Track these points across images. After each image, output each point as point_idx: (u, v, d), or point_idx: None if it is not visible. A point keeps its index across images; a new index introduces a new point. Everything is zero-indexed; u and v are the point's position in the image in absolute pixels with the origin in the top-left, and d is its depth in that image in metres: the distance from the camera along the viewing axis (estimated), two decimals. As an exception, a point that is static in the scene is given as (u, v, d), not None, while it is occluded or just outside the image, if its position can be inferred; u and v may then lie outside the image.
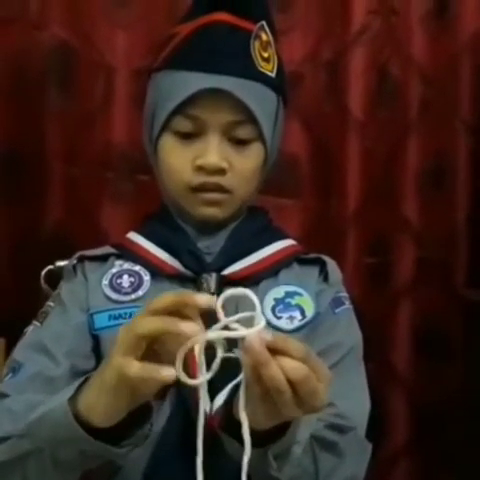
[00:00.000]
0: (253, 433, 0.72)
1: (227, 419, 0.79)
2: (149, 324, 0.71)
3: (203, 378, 0.72)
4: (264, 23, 1.04)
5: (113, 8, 1.64)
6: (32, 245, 1.61)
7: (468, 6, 1.73)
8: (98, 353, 1.00)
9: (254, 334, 0.69)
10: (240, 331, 0.70)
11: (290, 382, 0.68)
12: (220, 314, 0.71)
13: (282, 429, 0.77)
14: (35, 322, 1.05)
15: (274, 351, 0.68)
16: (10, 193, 1.63)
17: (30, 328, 1.04)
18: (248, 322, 0.71)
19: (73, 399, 0.77)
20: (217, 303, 0.72)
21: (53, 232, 1.63)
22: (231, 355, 0.72)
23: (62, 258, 1.24)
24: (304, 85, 1.67)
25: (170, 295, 0.72)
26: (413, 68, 1.73)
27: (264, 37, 1.03)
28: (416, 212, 1.74)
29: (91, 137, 1.64)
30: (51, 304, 1.06)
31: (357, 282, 1.69)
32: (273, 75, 1.03)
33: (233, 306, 0.99)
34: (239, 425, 0.73)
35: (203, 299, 0.71)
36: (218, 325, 0.71)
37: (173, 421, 0.95)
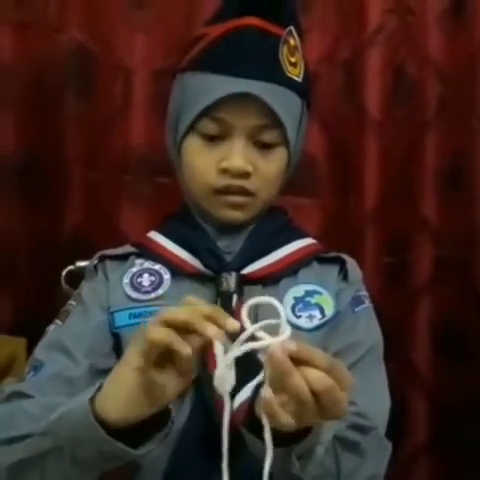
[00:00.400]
0: (276, 433, 0.72)
1: (250, 418, 0.80)
2: (179, 311, 0.73)
3: (229, 387, 0.73)
4: (292, 28, 1.04)
5: (131, 11, 1.65)
6: (52, 248, 1.63)
7: (485, 5, 1.72)
8: (118, 352, 1.01)
9: (278, 343, 0.69)
10: (265, 340, 0.70)
11: (313, 392, 0.69)
12: (246, 323, 0.72)
13: (306, 429, 0.77)
14: (57, 321, 1.06)
15: (298, 360, 0.69)
16: (30, 197, 1.65)
17: (52, 327, 1.05)
18: (271, 328, 0.72)
19: (93, 399, 0.78)
20: (242, 311, 0.73)
21: (73, 235, 1.64)
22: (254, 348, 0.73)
23: (81, 260, 1.25)
24: (321, 85, 1.67)
25: (208, 307, 0.74)
26: (430, 67, 1.72)
27: (292, 42, 1.03)
28: (434, 211, 1.73)
29: (110, 140, 1.65)
30: (73, 303, 1.07)
31: (375, 281, 1.68)
32: (300, 80, 1.04)
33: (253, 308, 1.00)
34: (261, 424, 0.73)
35: (232, 325, 0.72)
36: (245, 335, 0.71)
37: (193, 419, 0.95)
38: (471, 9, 1.71)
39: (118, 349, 1.02)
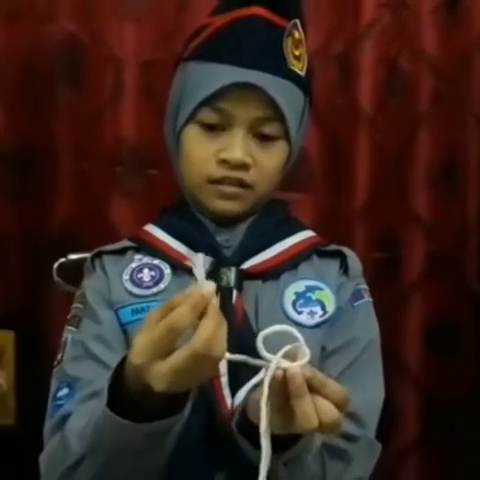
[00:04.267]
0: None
1: (242, 419, 0.81)
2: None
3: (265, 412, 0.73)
4: (297, 21, 1.02)
5: (122, 1, 1.63)
6: (41, 240, 1.61)
7: (479, -1, 1.72)
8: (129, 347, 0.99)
9: (297, 367, 0.71)
10: (284, 363, 0.72)
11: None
12: (262, 350, 0.73)
13: (296, 436, 0.78)
14: (70, 328, 1.03)
15: (311, 387, 0.71)
16: (20, 188, 1.63)
17: (69, 337, 1.02)
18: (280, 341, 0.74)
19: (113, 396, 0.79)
20: (257, 342, 0.73)
21: (62, 227, 1.62)
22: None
23: (71, 253, 1.23)
24: (314, 79, 1.65)
25: (177, 298, 0.73)
26: (424, 62, 1.72)
27: (297, 35, 1.02)
28: (427, 206, 1.73)
29: (100, 131, 1.64)
30: (79, 306, 1.04)
31: (366, 277, 1.67)
32: (303, 74, 1.03)
33: (253, 300, 1.00)
34: (253, 426, 0.75)
35: (208, 290, 0.71)
36: (272, 368, 0.72)
37: (195, 417, 0.93)
38: (466, 3, 1.71)
39: (128, 345, 0.99)
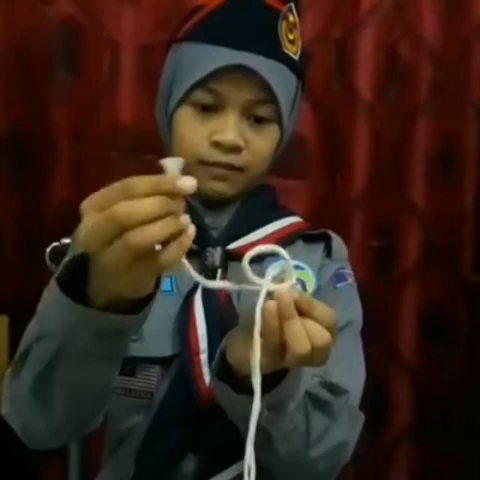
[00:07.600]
0: (250, 383, 0.72)
1: (221, 366, 0.81)
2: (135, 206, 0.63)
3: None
4: (293, 5, 1.02)
5: (120, -16, 1.62)
6: (37, 224, 1.62)
7: (480, -14, 1.71)
8: None
9: (285, 288, 0.70)
10: (272, 285, 0.70)
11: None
12: (248, 271, 0.70)
13: (279, 380, 0.78)
14: None
15: (299, 310, 0.70)
16: (16, 172, 1.62)
17: None
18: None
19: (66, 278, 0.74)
20: (243, 262, 0.71)
21: (58, 212, 1.62)
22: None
23: (67, 237, 1.23)
24: (313, 65, 1.65)
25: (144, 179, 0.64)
26: (423, 49, 1.71)
27: (291, 19, 1.01)
28: (423, 195, 1.73)
29: (97, 115, 1.63)
30: None
31: (362, 265, 1.68)
32: (296, 58, 1.02)
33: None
34: (231, 369, 0.76)
35: (186, 183, 0.67)
36: (263, 292, 0.70)
37: (173, 393, 0.95)
38: (466, -9, 1.70)
39: None
